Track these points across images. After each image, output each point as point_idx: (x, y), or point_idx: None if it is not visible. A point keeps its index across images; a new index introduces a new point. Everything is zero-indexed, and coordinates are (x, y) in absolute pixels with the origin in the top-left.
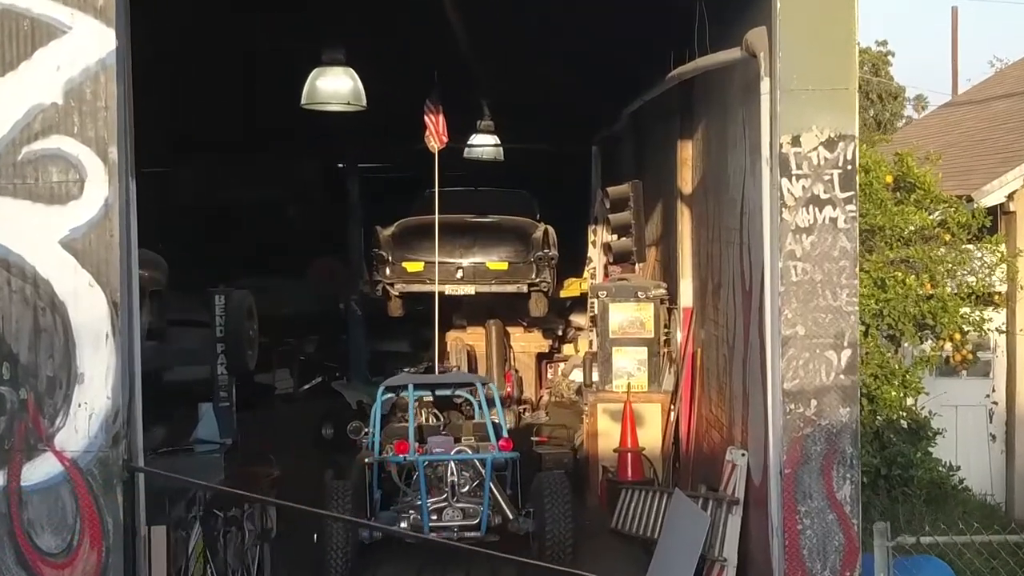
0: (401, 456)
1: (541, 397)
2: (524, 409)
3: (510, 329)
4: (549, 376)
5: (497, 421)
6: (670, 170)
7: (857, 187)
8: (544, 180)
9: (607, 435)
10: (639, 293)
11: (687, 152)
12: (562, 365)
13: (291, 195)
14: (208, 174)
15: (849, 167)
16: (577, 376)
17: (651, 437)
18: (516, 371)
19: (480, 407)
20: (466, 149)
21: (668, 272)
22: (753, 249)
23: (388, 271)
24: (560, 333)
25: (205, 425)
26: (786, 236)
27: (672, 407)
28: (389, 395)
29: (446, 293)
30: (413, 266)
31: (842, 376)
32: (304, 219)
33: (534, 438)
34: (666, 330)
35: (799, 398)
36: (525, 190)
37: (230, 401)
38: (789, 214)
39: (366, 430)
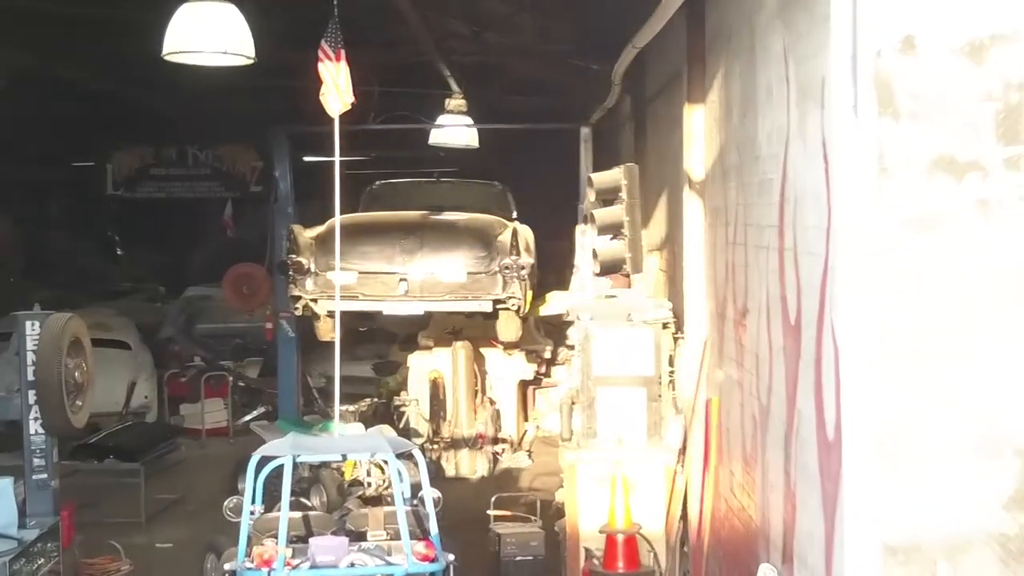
0: (264, 570)
1: (525, 432)
2: (503, 450)
3: (485, 351)
4: (539, 406)
5: (420, 508)
6: (675, 148)
7: None
8: (527, 169)
9: (592, 507)
10: (633, 315)
11: (696, 121)
12: (552, 391)
13: (224, 189)
14: (130, 166)
15: (1014, 98)
16: (555, 424)
17: (651, 511)
18: (492, 403)
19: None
20: (432, 133)
21: (675, 288)
22: (803, 258)
23: (310, 283)
24: (548, 355)
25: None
26: (889, 232)
27: (679, 470)
28: (270, 465)
29: (384, 313)
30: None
31: (1003, 514)
32: (240, 219)
33: (491, 512)
34: (671, 368)
35: (916, 556)
36: (498, 181)
37: (47, 471)
38: (896, 189)
39: (252, 508)
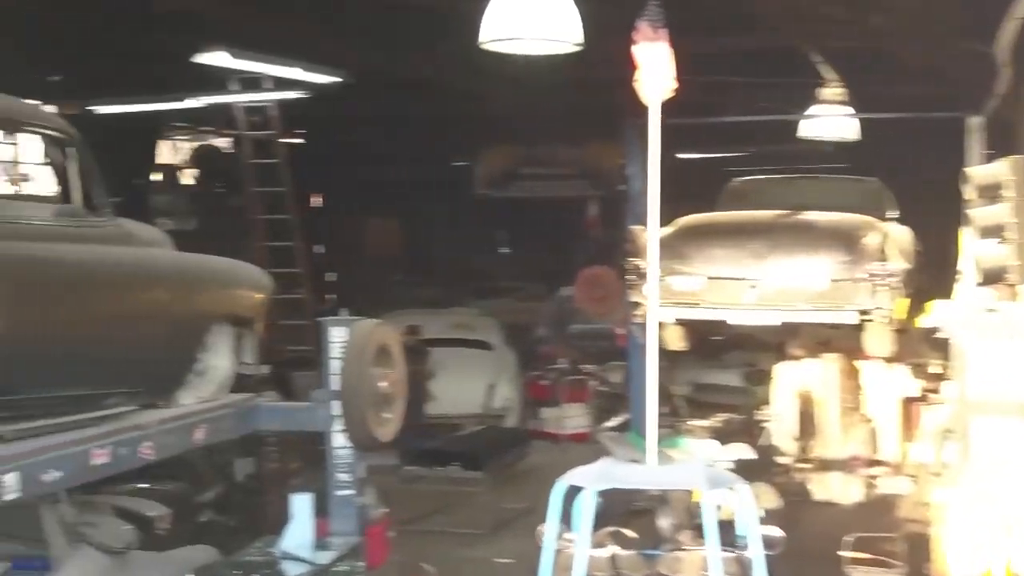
0: None
1: (907, 455)
2: (880, 474)
3: (862, 364)
4: (925, 426)
5: (740, 553)
6: None
7: None
8: (912, 164)
9: (966, 555)
10: (1019, 332)
11: None
12: (939, 410)
13: (590, 188)
14: (500, 165)
15: None
16: (926, 453)
17: None
18: (869, 421)
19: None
20: (801, 126)
21: None
22: None
23: None
24: (939, 370)
25: (296, 531)
26: None
27: None
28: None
29: (729, 323)
30: (684, 283)
31: None
32: (606, 219)
33: (845, 553)
34: None
35: None
36: (876, 177)
37: (352, 487)
38: None
39: (567, 537)
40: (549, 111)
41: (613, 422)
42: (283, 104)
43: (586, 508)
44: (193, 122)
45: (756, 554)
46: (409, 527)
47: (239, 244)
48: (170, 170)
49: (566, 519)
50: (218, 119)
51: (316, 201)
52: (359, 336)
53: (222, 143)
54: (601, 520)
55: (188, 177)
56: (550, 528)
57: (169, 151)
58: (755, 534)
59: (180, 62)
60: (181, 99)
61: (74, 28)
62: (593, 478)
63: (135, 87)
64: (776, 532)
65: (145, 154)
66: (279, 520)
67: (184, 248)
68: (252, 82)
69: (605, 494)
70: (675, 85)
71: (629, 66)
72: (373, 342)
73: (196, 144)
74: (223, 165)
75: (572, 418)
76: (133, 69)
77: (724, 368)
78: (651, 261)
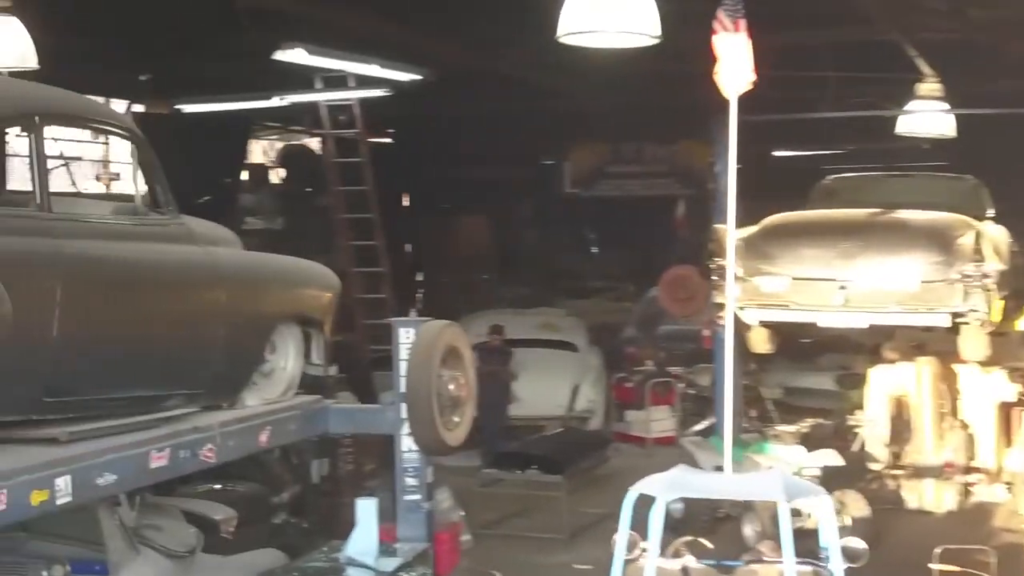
0: None
1: (1007, 462)
2: (977, 481)
3: (958, 367)
4: None
5: (818, 567)
6: None
7: None
8: (1010, 161)
9: None
10: None
11: None
12: None
13: (680, 187)
14: (588, 163)
15: None
16: (1021, 460)
17: None
18: (965, 427)
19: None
20: (899, 121)
21: None
22: None
23: (735, 290)
24: None
25: (361, 537)
26: None
27: None
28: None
29: (819, 325)
30: (769, 284)
31: None
32: (696, 219)
33: (936, 566)
34: None
35: None
36: (972, 175)
37: (420, 492)
38: None
39: (643, 546)
40: (639, 108)
41: (700, 426)
42: (372, 103)
43: (656, 517)
44: (282, 121)
45: (836, 567)
46: (487, 531)
47: (325, 243)
48: (259, 169)
49: (643, 527)
50: (307, 119)
51: (405, 200)
52: (426, 337)
53: (312, 143)
54: (685, 526)
55: (276, 176)
56: (621, 537)
57: (258, 150)
58: (835, 546)
59: (267, 61)
60: (268, 98)
61: (164, 27)
62: (664, 487)
63: (224, 86)
64: (859, 544)
65: (234, 153)
66: (352, 524)
67: (269, 247)
68: (338, 81)
69: (689, 500)
70: (753, 78)
71: (713, 60)
72: (441, 344)
73: (284, 143)
74: (310, 164)
75: (658, 421)
76: (222, 68)
77: (816, 371)
78: (728, 260)
